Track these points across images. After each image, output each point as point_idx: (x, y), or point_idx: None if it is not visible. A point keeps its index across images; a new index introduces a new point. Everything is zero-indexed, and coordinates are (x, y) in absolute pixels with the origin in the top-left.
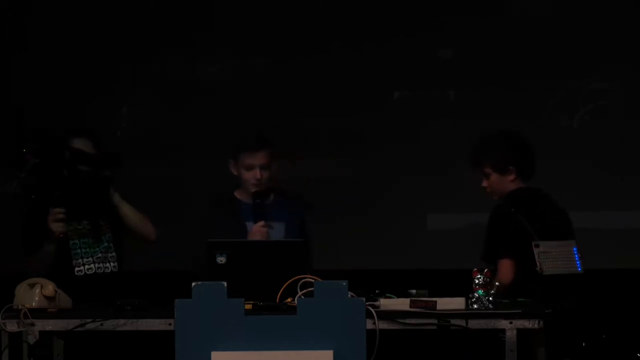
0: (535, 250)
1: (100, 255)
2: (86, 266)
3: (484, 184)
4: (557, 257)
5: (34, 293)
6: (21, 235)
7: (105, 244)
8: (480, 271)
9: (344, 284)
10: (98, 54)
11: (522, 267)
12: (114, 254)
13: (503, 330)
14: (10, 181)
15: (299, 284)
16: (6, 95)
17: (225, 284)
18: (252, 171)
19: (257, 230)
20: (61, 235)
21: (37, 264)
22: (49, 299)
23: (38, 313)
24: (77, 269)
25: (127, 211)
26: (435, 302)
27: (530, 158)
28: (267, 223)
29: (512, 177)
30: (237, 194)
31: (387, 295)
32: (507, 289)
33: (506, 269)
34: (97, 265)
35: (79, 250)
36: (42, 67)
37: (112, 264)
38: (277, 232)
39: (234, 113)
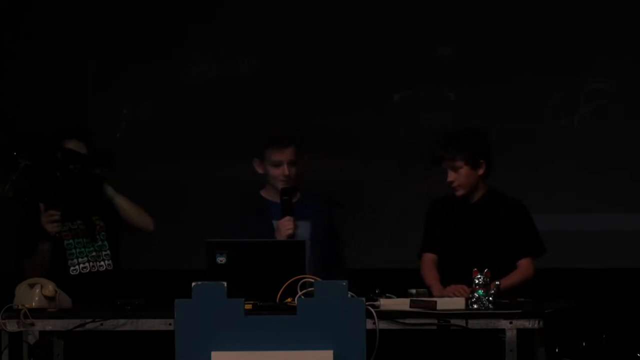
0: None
1: (94, 253)
2: (81, 265)
3: (451, 177)
4: None
5: (34, 293)
6: (16, 237)
7: (100, 243)
8: (480, 271)
9: (344, 284)
10: (96, 55)
11: None
12: (108, 252)
13: (503, 330)
14: (3, 184)
15: (299, 284)
16: None
17: (225, 284)
18: (280, 167)
19: (282, 225)
20: (56, 235)
21: (33, 265)
22: (49, 299)
23: (38, 313)
24: (72, 268)
25: (123, 203)
26: (435, 302)
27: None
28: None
29: (481, 171)
30: (264, 194)
31: (387, 295)
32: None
33: (532, 264)
34: (91, 263)
35: (74, 250)
36: (35, 70)
37: (106, 262)
38: (302, 230)
39: (234, 113)
